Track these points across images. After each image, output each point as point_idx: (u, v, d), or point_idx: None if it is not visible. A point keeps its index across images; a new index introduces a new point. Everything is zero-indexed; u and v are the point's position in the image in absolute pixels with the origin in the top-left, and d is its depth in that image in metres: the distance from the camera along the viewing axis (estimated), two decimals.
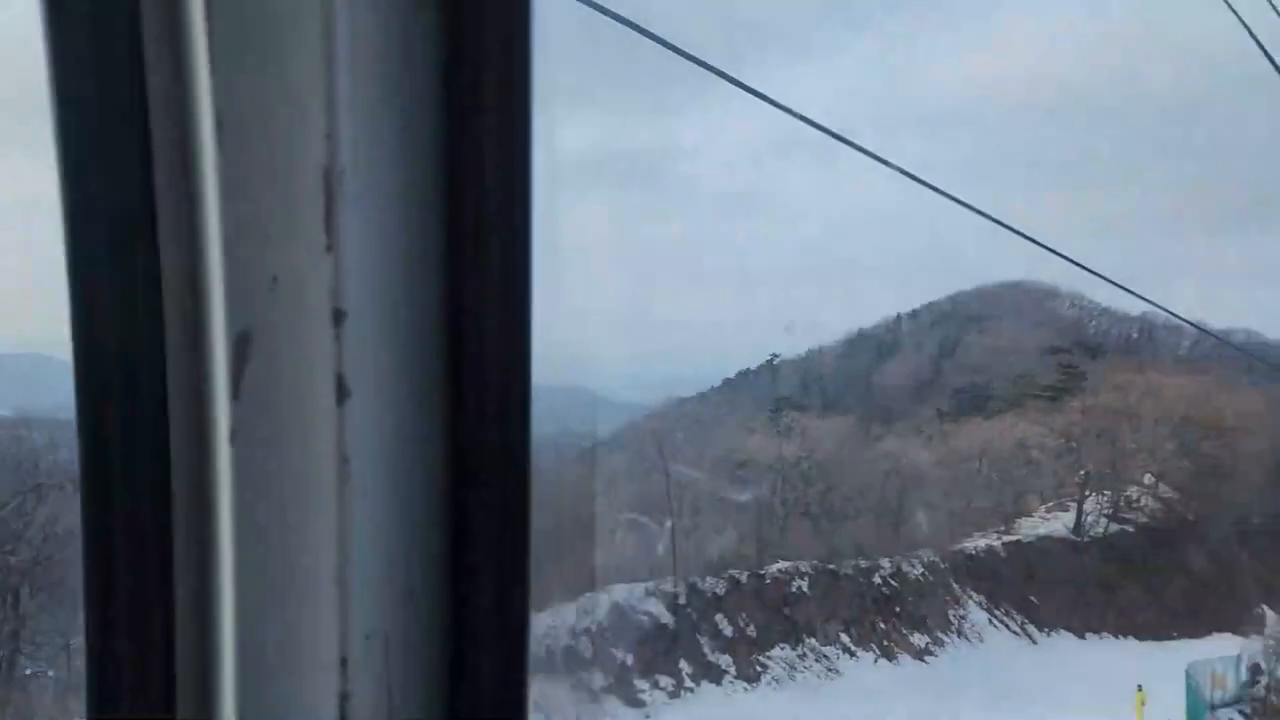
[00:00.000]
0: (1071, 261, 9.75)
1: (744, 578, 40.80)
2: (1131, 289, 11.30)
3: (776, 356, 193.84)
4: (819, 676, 40.29)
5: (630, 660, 34.98)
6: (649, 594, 37.38)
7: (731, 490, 44.32)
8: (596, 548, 39.73)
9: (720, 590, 39.44)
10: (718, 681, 36.63)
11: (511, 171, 1.07)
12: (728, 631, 38.61)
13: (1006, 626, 60.00)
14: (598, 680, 33.54)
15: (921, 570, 54.89)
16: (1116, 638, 66.59)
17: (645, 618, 36.41)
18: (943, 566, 57.91)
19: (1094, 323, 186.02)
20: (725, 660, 37.61)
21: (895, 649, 46.86)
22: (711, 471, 44.79)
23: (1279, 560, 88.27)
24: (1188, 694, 40.98)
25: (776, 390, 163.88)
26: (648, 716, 33.57)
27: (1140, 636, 67.07)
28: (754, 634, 39.35)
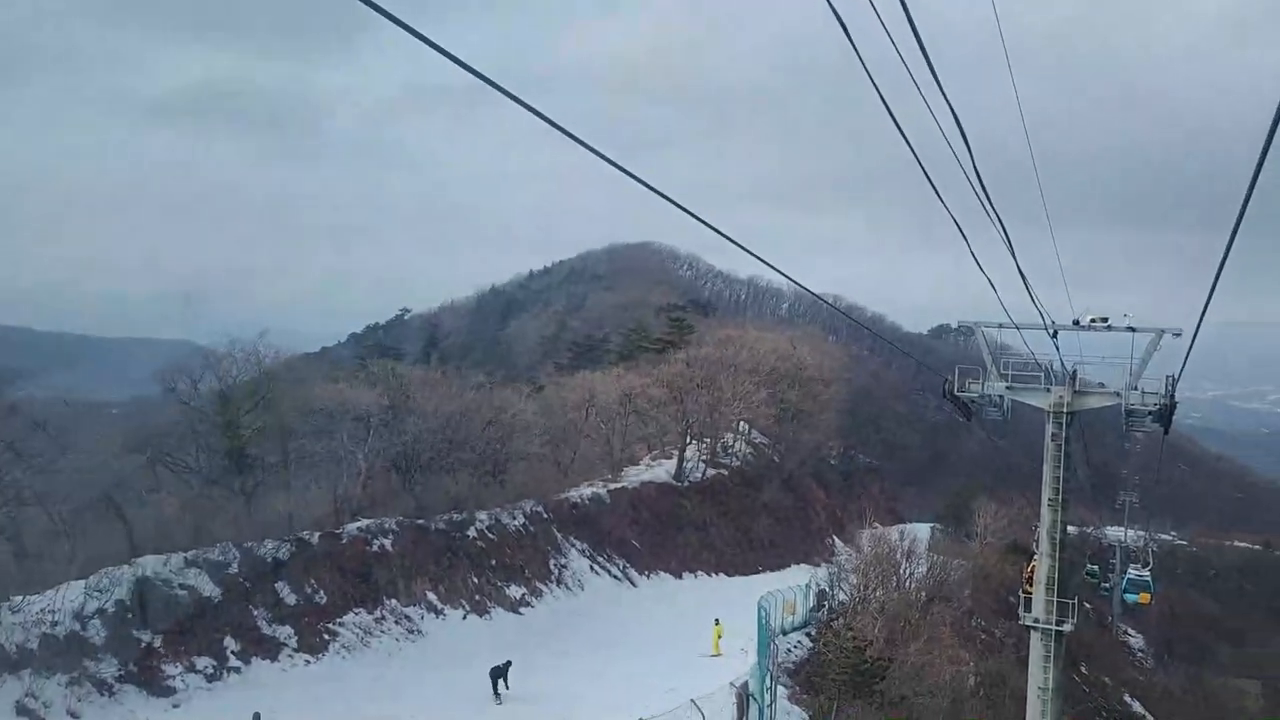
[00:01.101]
0: (709, 225, 9.17)
1: (315, 538, 36.59)
2: (754, 252, 10.57)
3: (407, 311, 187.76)
4: (397, 640, 37.16)
5: (158, 643, 29.70)
6: (189, 564, 32.11)
7: (307, 442, 39.64)
8: (125, 513, 33.78)
9: (283, 554, 34.99)
10: (273, 657, 32.31)
11: None
12: (290, 600, 34.31)
13: (608, 572, 60.54)
14: (109, 669, 27.98)
15: (523, 521, 53.50)
16: (711, 575, 70.04)
17: (183, 592, 31.21)
18: (545, 516, 57.06)
19: (709, 284, 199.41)
20: (285, 632, 33.34)
21: (489, 603, 44.86)
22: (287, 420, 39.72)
23: (848, 495, 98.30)
24: (759, 623, 42.81)
25: (396, 342, 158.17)
26: (176, 705, 28.57)
27: (730, 573, 71.18)
28: (323, 600, 35.36)
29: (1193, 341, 21.32)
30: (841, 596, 54.47)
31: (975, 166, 11.72)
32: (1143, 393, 25.44)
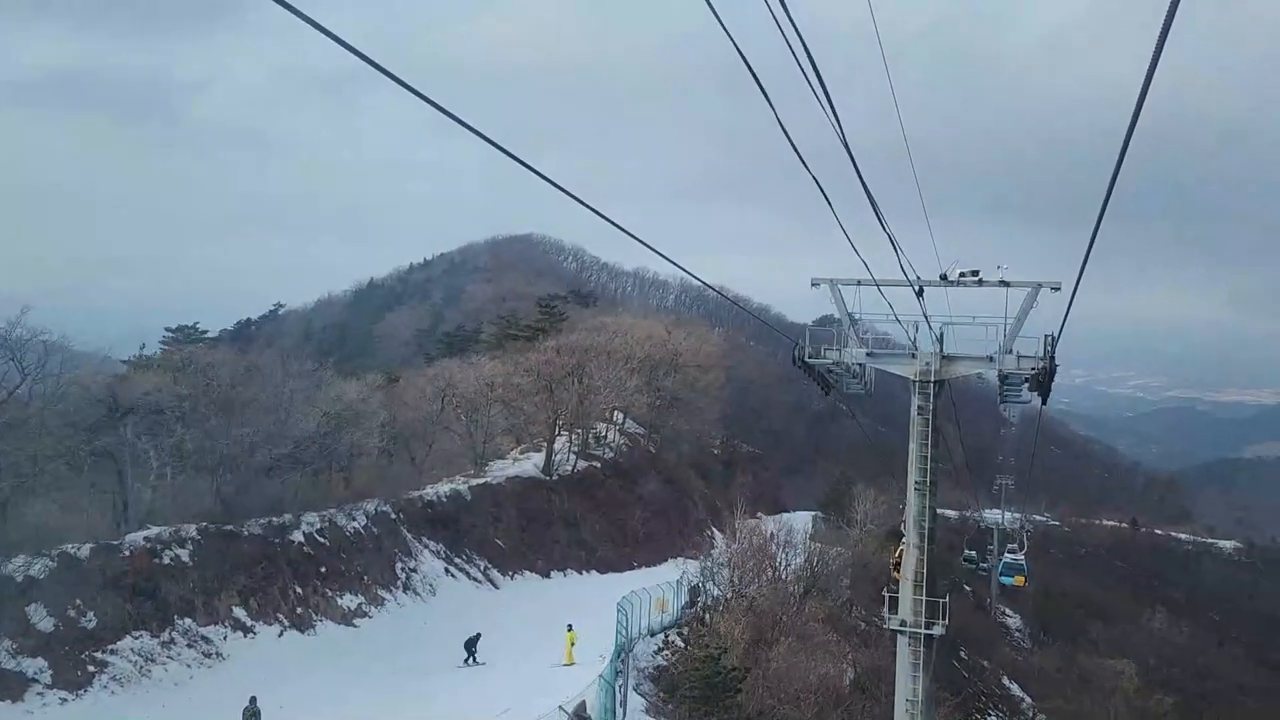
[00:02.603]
0: (601, 215, 8.59)
1: (84, 552, 30.61)
2: (633, 233, 9.67)
3: (281, 305, 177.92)
4: (189, 665, 31.44)
5: None
6: None
7: (79, 441, 33.34)
8: None
9: (39, 572, 28.99)
10: (15, 696, 26.39)
11: None
12: (45, 626, 28.36)
13: (466, 574, 55.32)
14: None
15: (365, 523, 47.92)
16: (582, 573, 65.49)
17: None
18: (394, 516, 51.56)
19: (594, 276, 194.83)
20: (35, 665, 27.42)
21: (314, 616, 39.29)
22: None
23: (729, 485, 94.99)
24: (617, 627, 38.59)
25: (270, 337, 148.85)
26: None
27: (602, 570, 66.78)
28: (92, 624, 29.46)
29: (1073, 295, 17.74)
30: (715, 591, 50.90)
31: (843, 135, 11.08)
32: (1018, 356, 21.84)
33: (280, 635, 36.71)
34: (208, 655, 32.85)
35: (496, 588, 56.51)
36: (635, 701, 35.64)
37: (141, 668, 30.31)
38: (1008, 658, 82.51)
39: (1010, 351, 21.99)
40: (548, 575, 61.79)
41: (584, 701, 27.37)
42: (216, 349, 45.84)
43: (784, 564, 54.55)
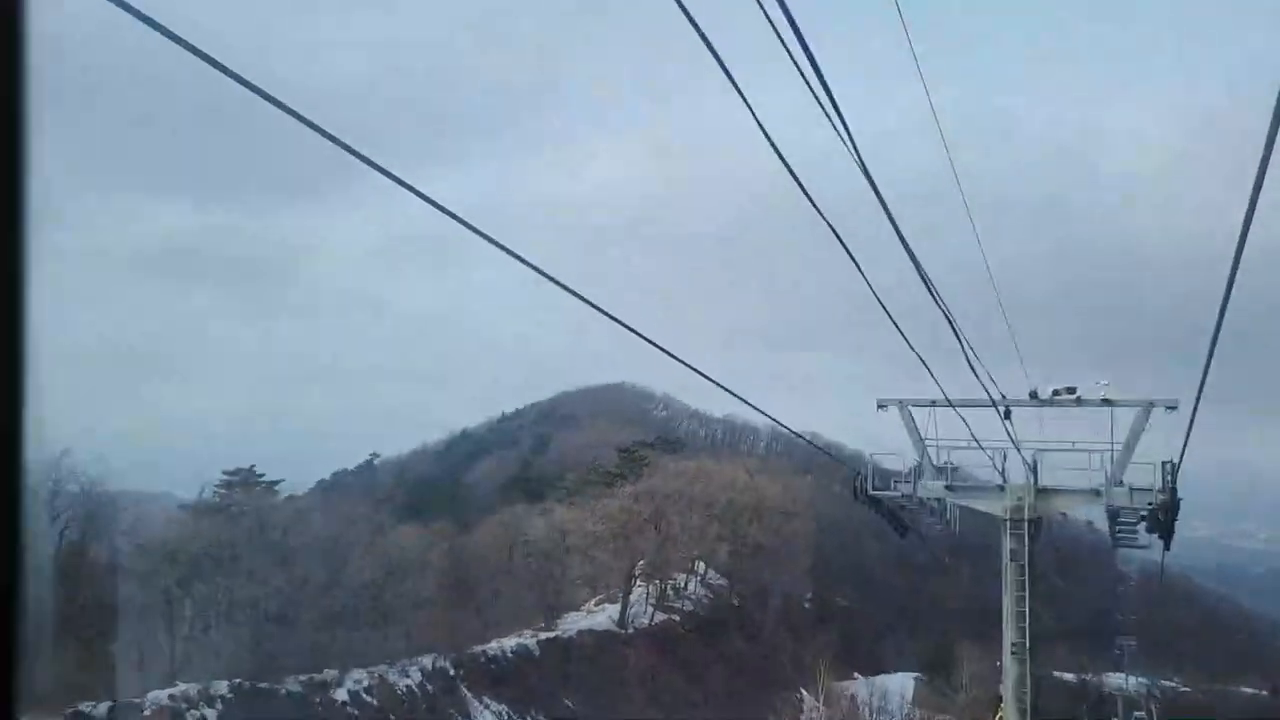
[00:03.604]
0: (685, 364, 8.93)
1: (100, 711, 28.06)
2: (733, 390, 10.04)
3: (376, 455, 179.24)
4: None
5: None
6: None
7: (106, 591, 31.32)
8: None
9: None
10: None
11: None
12: None
13: None
14: None
15: (419, 680, 44.48)
16: None
17: None
18: (452, 673, 47.98)
19: (683, 424, 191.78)
20: None
21: None
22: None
23: (821, 642, 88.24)
24: None
25: (366, 488, 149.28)
26: None
27: None
28: None
29: (1194, 413, 14.24)
30: None
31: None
32: (1130, 489, 17.97)
33: None
34: None
35: None
36: None
37: None
38: None
39: (1120, 484, 18.16)
40: None
41: None
42: (272, 492, 44.29)
43: None
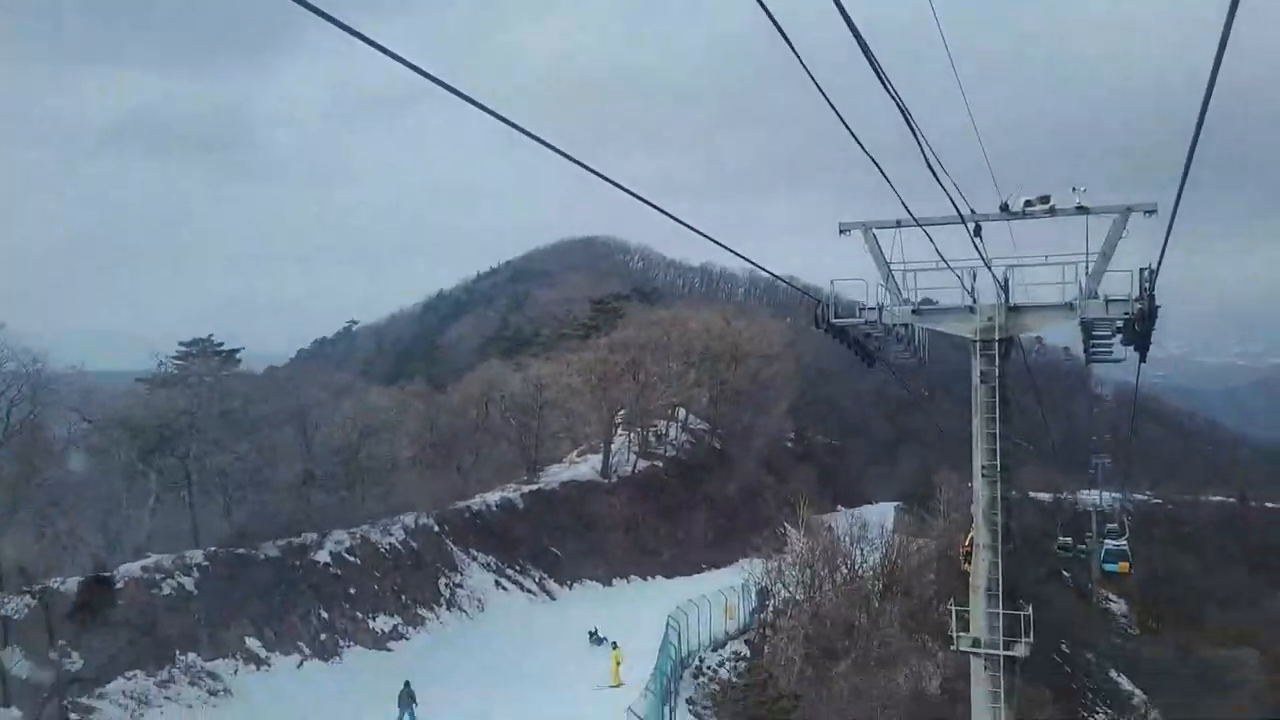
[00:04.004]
0: (669, 215, 8.63)
1: (70, 587, 27.73)
2: (704, 232, 9.58)
3: (355, 322, 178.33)
4: (190, 706, 28.31)
5: None
6: None
7: (61, 470, 30.50)
8: None
9: (14, 613, 26.12)
10: None
11: None
12: (20, 671, 25.50)
13: (520, 586, 51.71)
14: None
15: (402, 538, 44.62)
16: (647, 579, 61.33)
17: None
18: (437, 529, 48.22)
19: (660, 275, 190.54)
20: (9, 717, 24.58)
21: (340, 642, 35.99)
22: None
23: (805, 480, 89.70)
24: (663, 646, 34.38)
25: (344, 354, 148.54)
26: None
27: (669, 574, 62.51)
28: (76, 667, 26.53)
29: (1173, 216, 13.02)
30: (784, 593, 46.34)
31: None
32: (1106, 300, 16.96)
33: (300, 665, 33.43)
34: (213, 693, 29.64)
35: (553, 599, 52.74)
36: None
37: (134, 712, 27.19)
38: (1114, 649, 75.65)
39: (1096, 296, 17.14)
40: (609, 583, 57.80)
41: None
42: (232, 361, 43.06)
43: (860, 560, 49.71)
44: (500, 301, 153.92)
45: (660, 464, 67.94)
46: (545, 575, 54.19)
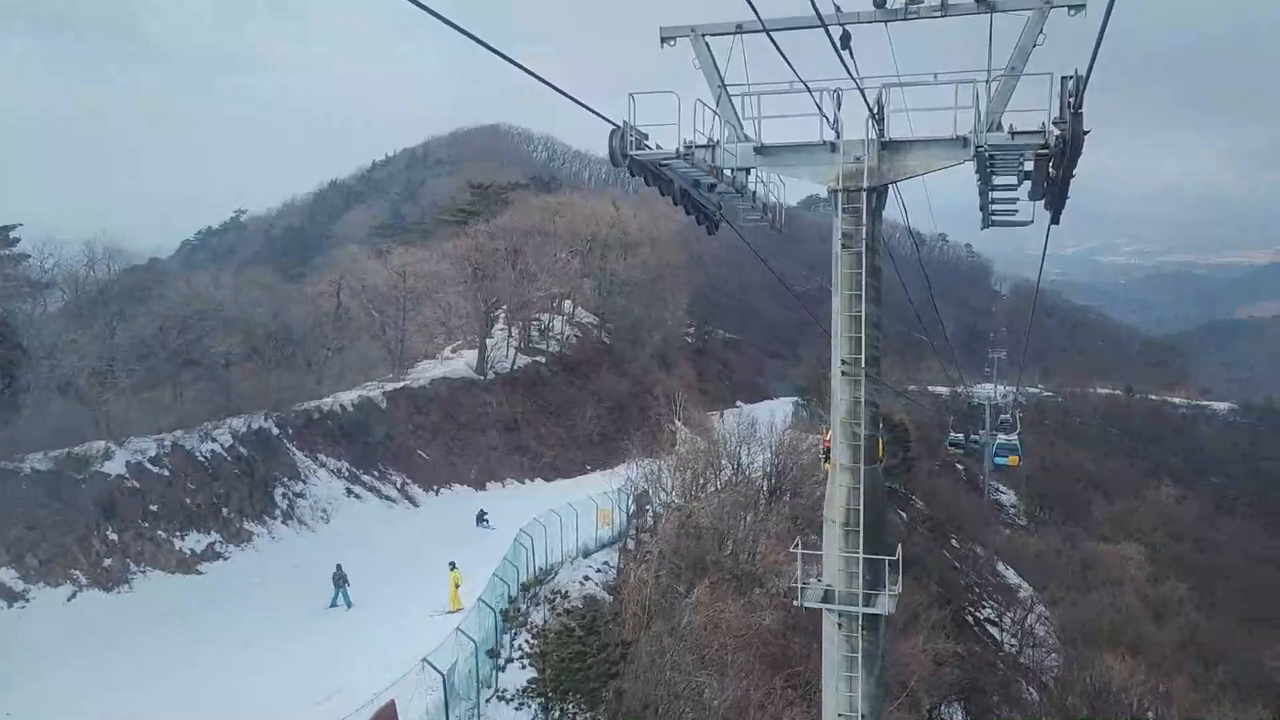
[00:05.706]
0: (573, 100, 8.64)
1: None
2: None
3: (243, 211, 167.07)
4: None
5: None
6: None
7: None
8: None
9: None
10: None
11: None
12: None
13: (377, 493, 46.69)
14: None
15: (229, 443, 38.89)
16: (524, 481, 56.94)
17: None
18: (276, 433, 42.58)
19: (564, 165, 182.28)
20: None
21: (131, 568, 30.59)
22: None
23: (703, 375, 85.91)
24: (503, 562, 29.96)
25: (233, 245, 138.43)
26: None
27: (549, 477, 58.23)
28: None
29: (1107, 13, 8.14)
30: (663, 497, 42.39)
31: None
32: (1013, 132, 12.07)
33: (71, 598, 27.98)
34: None
35: (416, 505, 47.89)
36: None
37: None
38: (1003, 541, 74.86)
39: (1000, 128, 12.23)
40: (482, 487, 53.14)
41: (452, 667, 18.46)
42: (8, 241, 36.09)
43: (747, 461, 45.81)
44: (395, 190, 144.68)
45: (543, 360, 62.92)
46: (409, 480, 49.21)
